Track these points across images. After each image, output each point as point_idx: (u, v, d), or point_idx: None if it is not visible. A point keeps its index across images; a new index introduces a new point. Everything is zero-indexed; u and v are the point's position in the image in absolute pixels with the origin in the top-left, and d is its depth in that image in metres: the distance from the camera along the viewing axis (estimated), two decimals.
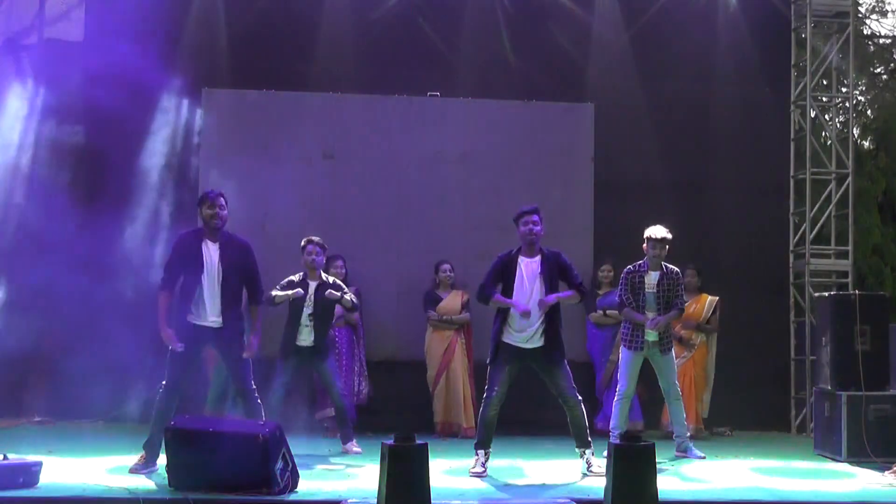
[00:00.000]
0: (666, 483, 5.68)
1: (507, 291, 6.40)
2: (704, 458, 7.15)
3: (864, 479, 6.41)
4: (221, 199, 6.19)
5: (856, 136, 13.43)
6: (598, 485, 5.52)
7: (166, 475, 5.44)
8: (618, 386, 7.29)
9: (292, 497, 5.31)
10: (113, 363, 7.71)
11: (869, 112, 14.91)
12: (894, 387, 7.53)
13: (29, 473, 5.40)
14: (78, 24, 9.07)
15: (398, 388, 8.63)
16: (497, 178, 9.01)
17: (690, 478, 6.35)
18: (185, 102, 8.92)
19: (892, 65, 15.26)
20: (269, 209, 8.70)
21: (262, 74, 9.03)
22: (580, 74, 9.47)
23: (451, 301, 8.55)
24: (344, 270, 8.23)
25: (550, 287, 6.38)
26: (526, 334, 6.35)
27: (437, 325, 8.51)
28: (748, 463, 7.06)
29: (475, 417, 7.51)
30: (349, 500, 5.11)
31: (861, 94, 14.38)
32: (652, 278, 7.20)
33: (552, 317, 6.39)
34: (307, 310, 7.20)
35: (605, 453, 5.02)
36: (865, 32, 14.72)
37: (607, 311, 8.45)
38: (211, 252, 6.13)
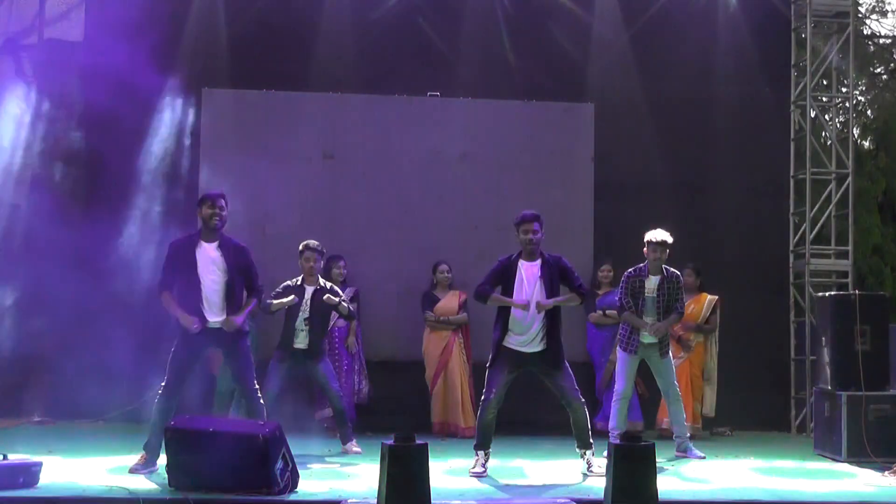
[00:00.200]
0: (666, 483, 5.67)
1: (507, 294, 6.38)
2: (704, 458, 7.14)
3: (864, 479, 6.40)
4: (222, 199, 6.19)
5: (856, 136, 13.44)
6: (598, 485, 5.52)
7: (166, 475, 5.44)
8: (615, 386, 7.29)
9: (292, 497, 5.30)
10: (113, 363, 7.71)
11: (869, 112, 14.93)
12: (894, 387, 7.53)
13: (29, 473, 5.40)
14: (77, 24, 9.06)
15: (398, 388, 8.63)
16: (497, 178, 9.01)
17: (690, 478, 6.35)
18: (185, 102, 8.92)
19: (892, 65, 15.28)
20: (269, 209, 8.71)
21: (262, 74, 9.02)
22: (580, 74, 9.46)
23: (449, 301, 8.54)
24: (346, 271, 8.24)
25: (550, 290, 6.36)
26: (526, 338, 6.33)
27: (435, 325, 8.50)
28: (748, 463, 7.05)
29: (473, 418, 7.50)
30: (349, 500, 5.11)
31: (861, 94, 14.39)
32: (652, 282, 7.15)
33: (552, 321, 6.36)
34: (303, 314, 7.23)
35: (606, 453, 5.01)
36: (865, 32, 14.74)
37: (607, 311, 8.44)
38: (209, 253, 6.14)
